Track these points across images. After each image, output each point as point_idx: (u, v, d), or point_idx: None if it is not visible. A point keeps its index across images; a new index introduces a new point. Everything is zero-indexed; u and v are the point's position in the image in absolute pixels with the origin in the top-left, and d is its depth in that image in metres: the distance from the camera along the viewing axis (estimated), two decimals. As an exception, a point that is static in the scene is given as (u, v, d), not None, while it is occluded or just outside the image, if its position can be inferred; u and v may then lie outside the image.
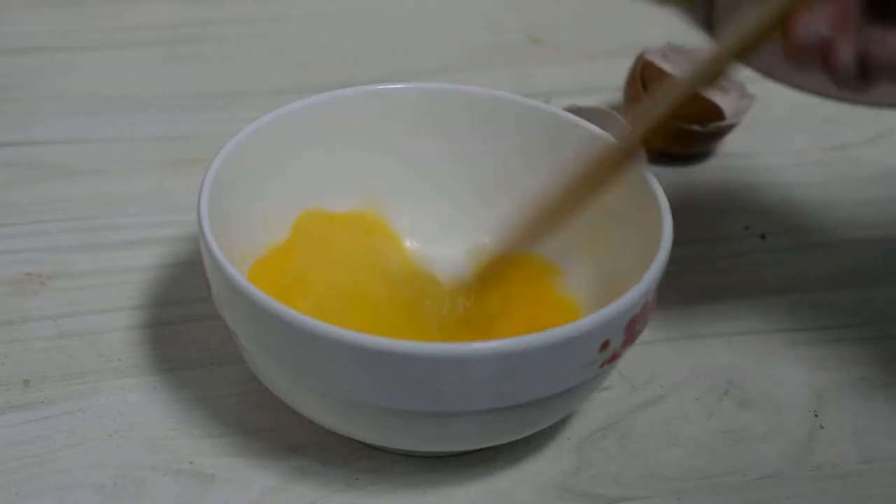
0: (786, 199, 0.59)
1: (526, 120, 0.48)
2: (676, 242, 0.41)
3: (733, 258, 0.54)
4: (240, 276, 0.38)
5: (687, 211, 0.55)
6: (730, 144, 0.61)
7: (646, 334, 0.45)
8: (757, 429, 0.46)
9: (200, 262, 0.41)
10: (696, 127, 0.57)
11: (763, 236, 0.56)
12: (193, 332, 0.48)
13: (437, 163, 0.49)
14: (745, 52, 0.38)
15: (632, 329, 0.39)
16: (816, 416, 0.46)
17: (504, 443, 0.42)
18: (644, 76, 0.59)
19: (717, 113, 0.58)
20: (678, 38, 0.64)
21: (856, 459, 0.45)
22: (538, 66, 0.69)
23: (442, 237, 0.49)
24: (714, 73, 0.39)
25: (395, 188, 0.49)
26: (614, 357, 0.40)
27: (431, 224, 0.49)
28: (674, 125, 0.57)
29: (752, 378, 0.48)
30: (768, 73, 0.67)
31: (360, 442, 0.43)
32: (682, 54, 0.62)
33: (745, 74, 0.67)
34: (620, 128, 0.43)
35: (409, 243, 0.49)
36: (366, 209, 0.49)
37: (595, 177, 0.42)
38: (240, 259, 0.43)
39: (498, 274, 0.45)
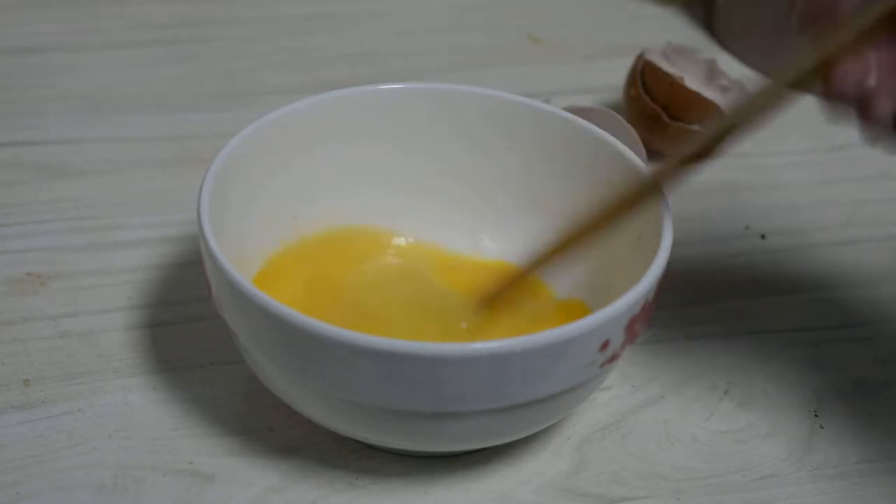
0: (786, 199, 0.59)
1: (525, 121, 0.48)
2: (676, 242, 0.41)
3: (733, 258, 0.54)
4: (240, 276, 0.38)
5: (687, 211, 0.55)
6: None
7: (646, 334, 0.45)
8: (757, 429, 0.46)
9: (200, 262, 0.41)
10: (696, 127, 0.57)
11: (763, 236, 0.56)
12: (193, 332, 0.48)
13: (437, 162, 0.49)
14: (784, 96, 0.38)
15: (632, 329, 0.39)
16: (816, 416, 0.46)
17: (504, 443, 0.42)
18: (644, 76, 0.59)
19: (717, 113, 0.57)
20: (678, 38, 0.64)
21: (855, 459, 0.45)
22: (538, 66, 0.69)
23: (442, 236, 0.49)
24: (752, 114, 0.38)
25: (395, 187, 0.49)
26: (614, 357, 0.40)
27: (431, 223, 0.49)
28: (673, 124, 0.57)
29: (752, 378, 0.48)
30: (768, 73, 0.67)
31: (359, 442, 0.43)
32: (683, 54, 0.62)
33: (744, 74, 0.67)
34: (651, 168, 0.42)
35: (409, 242, 0.49)
36: (366, 209, 0.49)
37: (618, 209, 0.42)
38: (240, 259, 0.43)
39: (509, 297, 0.45)
